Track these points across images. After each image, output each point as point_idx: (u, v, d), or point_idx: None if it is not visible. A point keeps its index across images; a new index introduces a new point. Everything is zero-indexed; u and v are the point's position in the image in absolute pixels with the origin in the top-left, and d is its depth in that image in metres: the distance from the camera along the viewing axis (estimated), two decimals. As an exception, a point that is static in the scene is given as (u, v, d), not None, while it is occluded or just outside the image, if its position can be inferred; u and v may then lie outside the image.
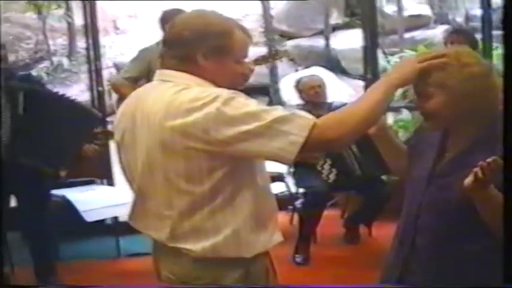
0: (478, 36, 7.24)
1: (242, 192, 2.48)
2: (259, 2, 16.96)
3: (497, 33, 12.82)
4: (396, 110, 9.20)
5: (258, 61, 5.80)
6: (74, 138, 5.09)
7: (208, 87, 2.46)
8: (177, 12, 5.61)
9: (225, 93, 2.36)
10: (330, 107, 6.04)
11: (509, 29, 2.34)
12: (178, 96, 2.40)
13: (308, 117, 2.35)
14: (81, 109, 5.40)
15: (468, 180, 2.31)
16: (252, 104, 2.36)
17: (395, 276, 2.69)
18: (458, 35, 6.74)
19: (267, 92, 15.18)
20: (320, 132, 2.32)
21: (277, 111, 2.35)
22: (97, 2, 7.45)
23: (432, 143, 2.68)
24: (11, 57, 13.60)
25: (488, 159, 2.24)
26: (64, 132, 5.05)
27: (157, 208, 2.55)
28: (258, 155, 2.40)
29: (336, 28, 17.58)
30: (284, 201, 6.84)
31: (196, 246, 2.50)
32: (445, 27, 16.65)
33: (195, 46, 2.48)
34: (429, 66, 2.48)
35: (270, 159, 2.43)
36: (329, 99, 6.66)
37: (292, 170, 6.69)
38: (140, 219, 2.66)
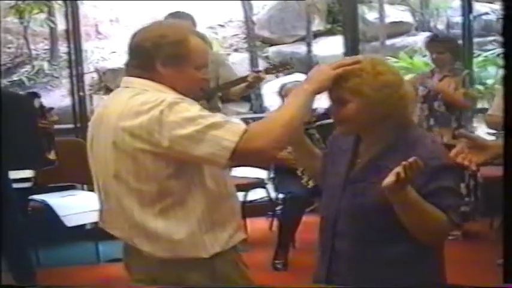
0: (459, 43, 7.27)
1: (192, 195, 2.59)
2: (241, 8, 16.98)
3: (478, 40, 12.95)
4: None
5: (269, 70, 5.87)
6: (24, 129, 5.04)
7: (166, 92, 2.58)
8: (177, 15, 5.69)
9: (170, 98, 2.51)
10: (313, 113, 6.06)
11: (509, 29, 2.37)
12: (131, 100, 2.56)
13: (241, 124, 2.50)
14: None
15: (388, 180, 2.36)
16: (193, 110, 2.49)
17: (323, 276, 2.76)
18: (434, 43, 6.78)
19: (249, 99, 15.17)
20: (250, 139, 2.44)
21: (214, 118, 2.49)
22: (80, 6, 7.44)
23: (345, 150, 2.75)
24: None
25: (410, 159, 2.31)
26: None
27: (116, 207, 2.68)
28: (193, 159, 2.49)
29: (317, 35, 17.59)
30: (264, 208, 6.86)
31: (153, 247, 2.62)
32: (426, 34, 16.71)
33: (153, 55, 2.63)
34: (343, 73, 2.56)
35: (205, 163, 2.55)
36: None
37: (272, 176, 6.71)
38: (107, 220, 2.79)
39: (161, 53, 2.62)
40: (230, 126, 2.47)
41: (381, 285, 2.62)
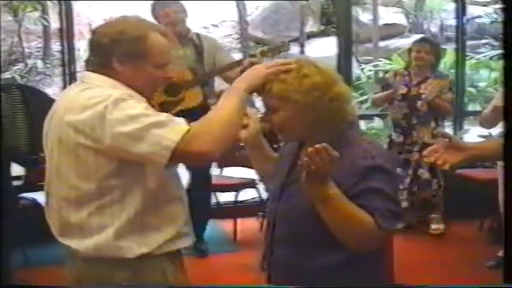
0: (452, 46, 7.31)
1: (132, 194, 2.54)
2: (235, 9, 16.99)
3: (471, 43, 12.97)
4: (368, 118, 9.27)
5: (264, 53, 5.85)
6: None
7: (120, 89, 2.53)
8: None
9: (117, 94, 2.45)
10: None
11: (509, 29, 2.36)
12: (80, 94, 2.52)
13: (183, 124, 2.43)
14: None
15: (303, 174, 2.28)
16: (138, 107, 2.44)
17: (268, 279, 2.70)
18: (423, 43, 6.82)
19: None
20: (191, 139, 2.39)
21: (158, 116, 2.44)
22: (73, 5, 7.42)
23: (289, 154, 2.67)
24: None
25: (316, 145, 2.21)
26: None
27: (54, 203, 2.66)
28: (134, 157, 2.44)
29: (311, 36, 17.63)
30: (255, 208, 6.85)
31: (80, 245, 2.59)
32: (419, 36, 16.75)
33: (110, 52, 2.57)
34: (276, 72, 2.48)
35: (145, 163, 2.49)
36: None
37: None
38: (49, 215, 2.72)
39: (118, 50, 2.55)
40: (173, 125, 2.41)
41: None
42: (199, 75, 5.73)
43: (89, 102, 2.44)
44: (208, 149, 2.42)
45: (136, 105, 2.44)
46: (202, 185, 6.21)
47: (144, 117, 2.40)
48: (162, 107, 5.30)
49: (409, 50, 6.78)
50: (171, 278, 2.67)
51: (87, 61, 2.68)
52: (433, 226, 6.72)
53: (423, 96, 6.46)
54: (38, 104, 5.45)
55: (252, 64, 5.66)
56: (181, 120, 2.44)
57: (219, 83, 6.14)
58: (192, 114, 2.65)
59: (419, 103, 6.48)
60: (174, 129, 2.39)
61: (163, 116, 2.45)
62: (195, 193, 6.20)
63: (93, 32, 2.67)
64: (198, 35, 6.07)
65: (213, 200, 7.08)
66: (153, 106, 2.57)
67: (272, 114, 2.50)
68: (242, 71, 5.72)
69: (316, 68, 2.49)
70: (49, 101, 5.15)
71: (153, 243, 2.59)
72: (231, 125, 2.50)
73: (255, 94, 2.57)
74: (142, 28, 2.61)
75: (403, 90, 6.58)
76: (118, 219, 2.54)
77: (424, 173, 6.55)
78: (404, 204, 6.54)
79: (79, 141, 2.46)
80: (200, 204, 6.24)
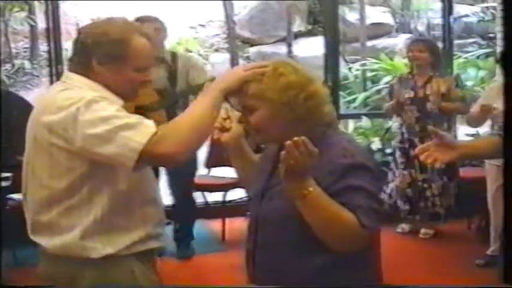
0: (439, 45, 7.30)
1: (101, 195, 2.54)
2: (222, 8, 16.98)
3: (458, 42, 13.01)
4: (356, 117, 9.28)
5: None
6: None
7: (99, 91, 2.54)
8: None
9: (90, 95, 2.45)
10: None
11: (508, 29, 2.35)
12: (57, 95, 2.52)
13: (152, 127, 2.41)
14: None
15: (281, 169, 2.25)
16: (110, 109, 2.43)
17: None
18: (417, 42, 6.81)
19: (226, 99, 15.17)
20: (158, 141, 2.37)
21: (129, 118, 2.42)
22: (60, 4, 7.39)
23: (270, 157, 2.63)
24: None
25: (295, 138, 2.18)
26: None
27: (28, 202, 2.67)
28: (103, 159, 2.43)
29: (298, 35, 17.64)
30: (243, 208, 6.85)
31: (49, 243, 2.60)
32: (407, 36, 16.79)
33: (92, 53, 2.57)
34: (253, 74, 2.46)
35: (113, 164, 2.47)
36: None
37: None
38: (26, 214, 2.72)
39: (99, 51, 2.55)
40: (141, 128, 2.40)
41: None
42: (169, 96, 5.62)
43: (64, 103, 2.44)
44: (174, 150, 2.40)
45: (109, 107, 2.44)
46: (183, 190, 6.21)
47: (115, 119, 2.39)
48: None
49: (407, 51, 6.75)
50: (140, 277, 2.67)
51: (70, 60, 2.69)
52: (423, 230, 6.73)
53: (430, 97, 6.41)
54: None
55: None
56: (150, 123, 2.43)
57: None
58: None
59: (428, 105, 6.43)
60: (141, 132, 2.38)
61: (134, 118, 2.43)
62: (177, 198, 6.22)
63: (79, 32, 2.67)
64: (173, 53, 6.00)
65: (201, 200, 7.10)
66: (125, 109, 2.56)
67: (249, 115, 2.48)
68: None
69: (292, 68, 2.47)
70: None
71: (119, 244, 2.60)
72: (201, 127, 2.48)
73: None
74: (126, 31, 2.60)
75: (409, 94, 6.50)
76: (85, 220, 2.54)
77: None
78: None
79: (52, 141, 2.48)
80: (182, 209, 6.29)
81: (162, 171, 5.83)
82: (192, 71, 5.89)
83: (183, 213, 6.31)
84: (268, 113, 2.42)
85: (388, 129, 7.90)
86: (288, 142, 2.18)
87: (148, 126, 2.41)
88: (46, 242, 2.62)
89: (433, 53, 6.55)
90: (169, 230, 6.20)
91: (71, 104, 2.42)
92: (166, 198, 5.96)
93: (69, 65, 2.69)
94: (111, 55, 2.56)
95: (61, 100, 2.47)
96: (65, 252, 2.58)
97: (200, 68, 6.20)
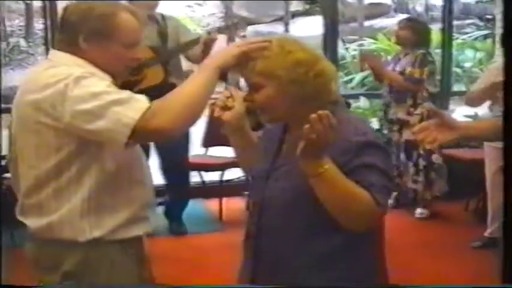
0: (438, 25, 7.29)
1: (89, 174, 2.50)
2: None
3: (456, 23, 12.97)
4: (354, 97, 9.26)
5: (221, 30, 5.79)
6: None
7: (85, 68, 2.49)
8: None
9: (79, 71, 2.41)
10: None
11: (508, 28, 2.32)
12: (43, 73, 2.48)
13: (144, 102, 2.37)
14: None
15: (300, 145, 2.19)
16: (100, 85, 2.40)
17: (249, 279, 2.59)
18: (403, 20, 6.91)
19: (225, 78, 15.15)
20: (150, 117, 2.33)
21: (120, 94, 2.39)
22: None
23: (274, 138, 2.60)
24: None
25: (319, 111, 2.12)
26: None
27: (16, 186, 2.66)
28: (93, 135, 2.40)
29: (295, 15, 17.57)
30: (240, 187, 6.85)
31: (35, 223, 2.57)
32: (404, 16, 16.74)
33: (77, 30, 2.53)
34: (248, 51, 2.42)
35: (105, 141, 2.44)
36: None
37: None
38: (18, 195, 2.70)
39: (85, 28, 2.51)
40: (134, 103, 2.36)
41: (308, 285, 2.41)
42: (161, 54, 5.71)
43: (51, 80, 2.40)
44: (167, 126, 2.36)
45: (98, 83, 2.41)
46: (176, 166, 6.21)
47: (106, 95, 2.35)
48: (124, 86, 5.28)
49: (396, 30, 6.81)
50: (120, 269, 2.62)
51: (56, 39, 2.67)
52: (418, 210, 6.73)
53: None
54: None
55: (208, 40, 5.68)
56: (142, 98, 2.38)
57: (187, 65, 6.11)
58: (154, 92, 2.60)
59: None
60: (134, 107, 2.34)
61: (125, 94, 2.39)
62: (169, 175, 6.23)
63: (64, 10, 2.62)
64: (162, 15, 6.04)
65: (198, 179, 7.09)
66: (115, 85, 2.51)
67: (255, 93, 2.43)
68: (203, 51, 5.73)
69: (299, 45, 2.43)
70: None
71: (107, 225, 2.55)
72: (195, 102, 2.43)
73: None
74: (110, 6, 2.57)
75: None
76: (74, 199, 2.50)
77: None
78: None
79: (40, 119, 2.43)
80: (175, 185, 6.32)
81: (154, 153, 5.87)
82: (182, 32, 6.03)
83: (175, 190, 6.35)
84: (275, 91, 2.37)
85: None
86: (313, 115, 2.11)
87: (140, 101, 2.37)
88: (32, 222, 2.59)
89: (416, 32, 6.57)
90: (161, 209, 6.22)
91: (58, 81, 2.38)
92: (159, 177, 5.96)
93: (56, 43, 2.65)
94: (97, 31, 2.52)
95: (47, 77, 2.43)
96: (51, 233, 2.54)
97: (189, 30, 6.43)
